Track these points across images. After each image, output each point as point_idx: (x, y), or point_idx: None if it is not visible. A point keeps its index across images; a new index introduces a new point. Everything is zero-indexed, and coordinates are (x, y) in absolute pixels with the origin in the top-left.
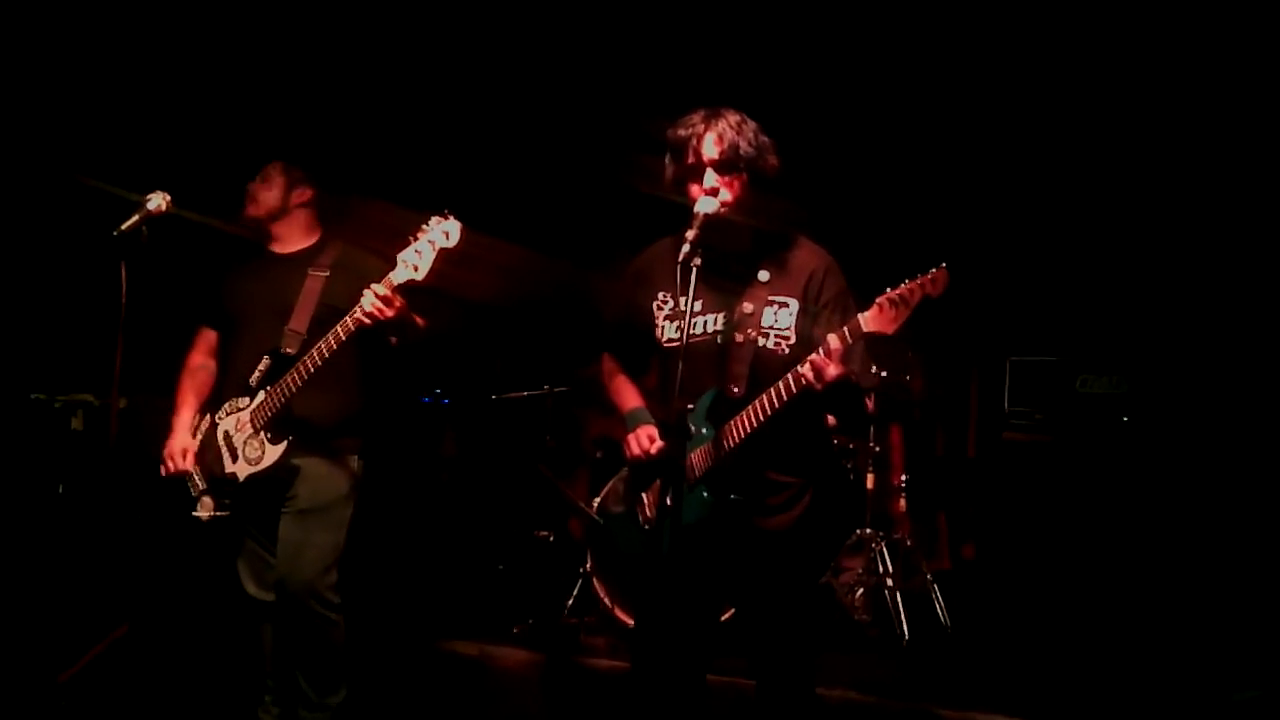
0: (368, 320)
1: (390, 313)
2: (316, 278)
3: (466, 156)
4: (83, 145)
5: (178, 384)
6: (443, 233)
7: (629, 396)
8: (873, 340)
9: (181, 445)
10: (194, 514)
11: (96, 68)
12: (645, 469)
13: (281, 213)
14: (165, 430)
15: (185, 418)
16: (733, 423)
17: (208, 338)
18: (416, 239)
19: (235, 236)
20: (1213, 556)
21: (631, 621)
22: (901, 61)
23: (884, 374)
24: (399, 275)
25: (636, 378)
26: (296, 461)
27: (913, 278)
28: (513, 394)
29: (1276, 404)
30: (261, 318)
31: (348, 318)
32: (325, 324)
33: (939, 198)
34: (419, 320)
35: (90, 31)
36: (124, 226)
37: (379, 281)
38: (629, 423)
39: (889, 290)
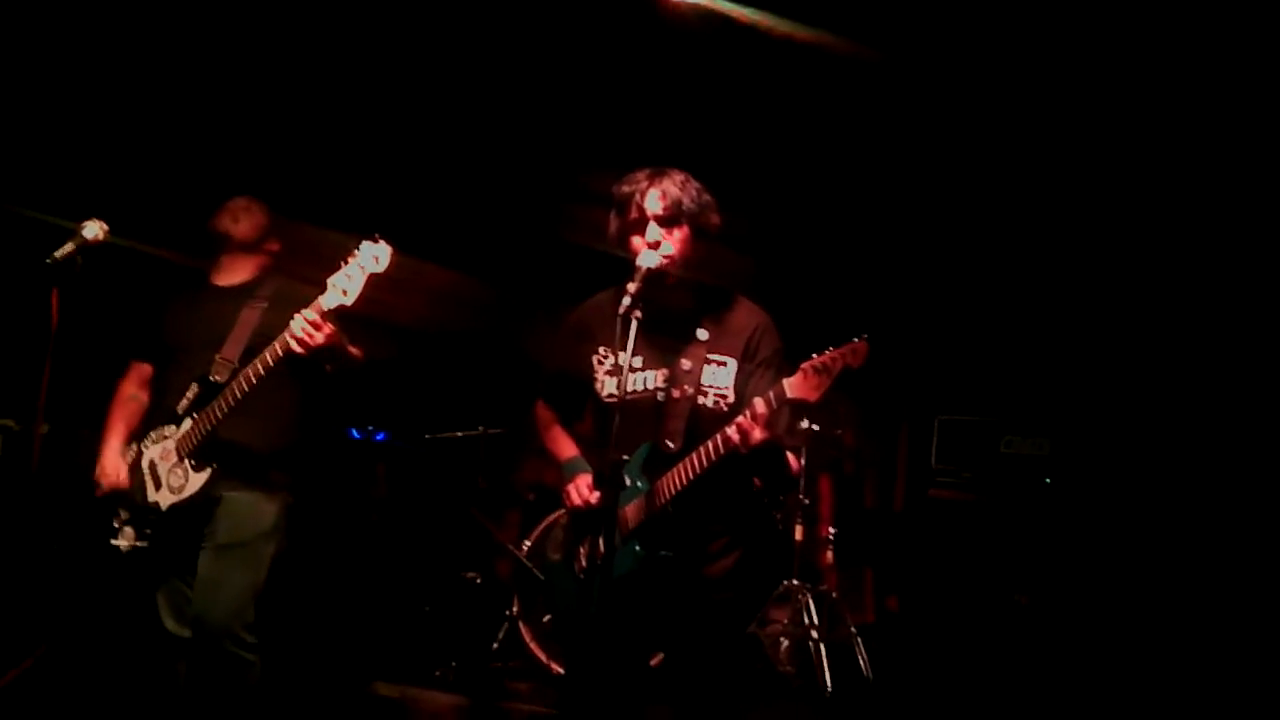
0: (297, 346)
1: (320, 339)
2: (254, 309)
3: (410, 186)
4: (13, 172)
5: (108, 413)
6: (372, 257)
7: (565, 445)
8: (796, 405)
9: (113, 464)
10: (113, 543)
11: (31, 94)
12: (585, 518)
13: (248, 248)
14: (91, 458)
15: (114, 444)
16: (665, 479)
17: (140, 370)
18: (347, 263)
19: (171, 266)
20: (1131, 616)
21: (556, 667)
22: (831, 128)
23: (814, 427)
24: (329, 300)
25: (570, 424)
26: (220, 492)
27: (836, 346)
28: (446, 434)
29: (1196, 469)
30: (196, 349)
31: (275, 343)
32: (257, 353)
33: (875, 258)
34: (354, 350)
35: (23, 59)
36: (58, 254)
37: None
38: (566, 471)
39: (813, 357)
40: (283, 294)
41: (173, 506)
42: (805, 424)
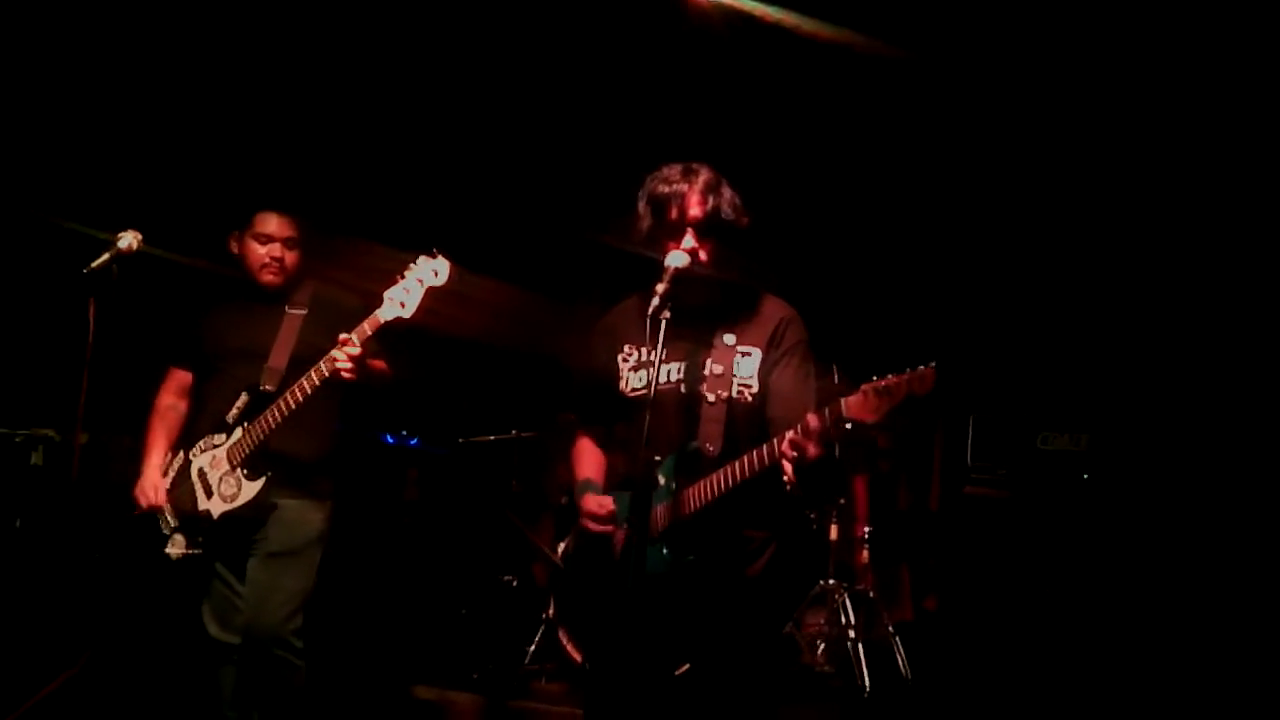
0: (345, 374)
1: (361, 368)
2: (295, 316)
3: (446, 198)
4: (53, 184)
5: (147, 424)
6: (431, 271)
7: (584, 465)
8: (852, 425)
9: (153, 482)
10: (165, 551)
11: (68, 106)
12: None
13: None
14: (134, 469)
15: (156, 458)
16: (695, 487)
17: (178, 378)
18: (404, 277)
19: (206, 274)
20: (1171, 612)
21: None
22: (860, 120)
23: (848, 426)
24: (386, 312)
25: (603, 433)
26: (273, 500)
27: (900, 371)
28: (479, 438)
29: (1233, 462)
30: (239, 357)
31: (322, 364)
32: (304, 361)
33: (907, 258)
34: (384, 367)
35: (61, 71)
36: (94, 265)
37: (361, 318)
38: (578, 492)
39: (875, 379)
40: (321, 299)
41: (225, 515)
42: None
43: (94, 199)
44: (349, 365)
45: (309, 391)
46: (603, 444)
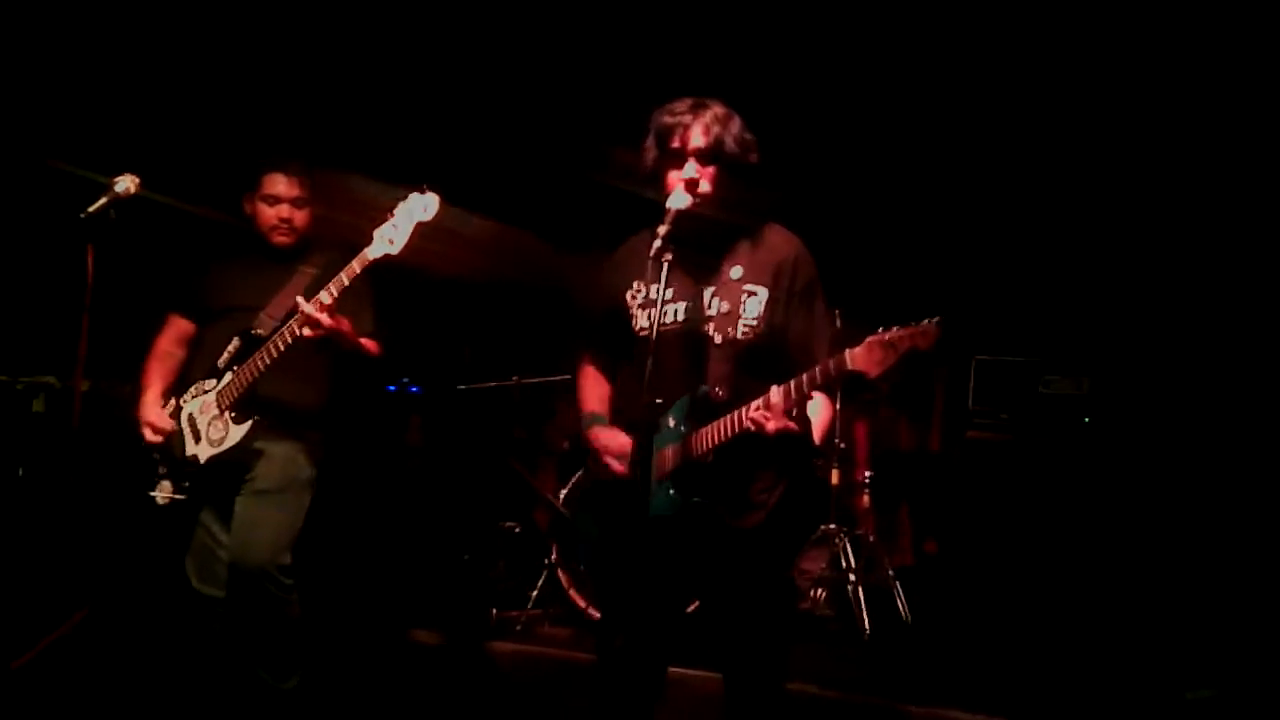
0: (306, 328)
1: (320, 330)
2: (304, 274)
3: (449, 136)
4: (50, 128)
5: (144, 366)
6: (421, 207)
7: (590, 397)
8: (852, 377)
9: (155, 414)
10: (150, 494)
11: (63, 49)
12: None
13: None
14: (130, 414)
15: (152, 396)
16: (704, 431)
17: (178, 326)
18: (394, 214)
19: (215, 223)
20: (1171, 555)
21: (595, 613)
22: (870, 57)
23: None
24: (375, 250)
25: (615, 368)
26: (259, 444)
27: (905, 325)
28: (481, 384)
29: (1236, 406)
30: (242, 312)
31: (287, 325)
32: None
33: (911, 197)
34: (366, 344)
35: (58, 12)
36: (91, 209)
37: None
38: (584, 423)
39: (881, 332)
40: (334, 262)
41: (211, 459)
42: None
43: (90, 141)
44: (312, 319)
45: (289, 340)
46: (609, 375)
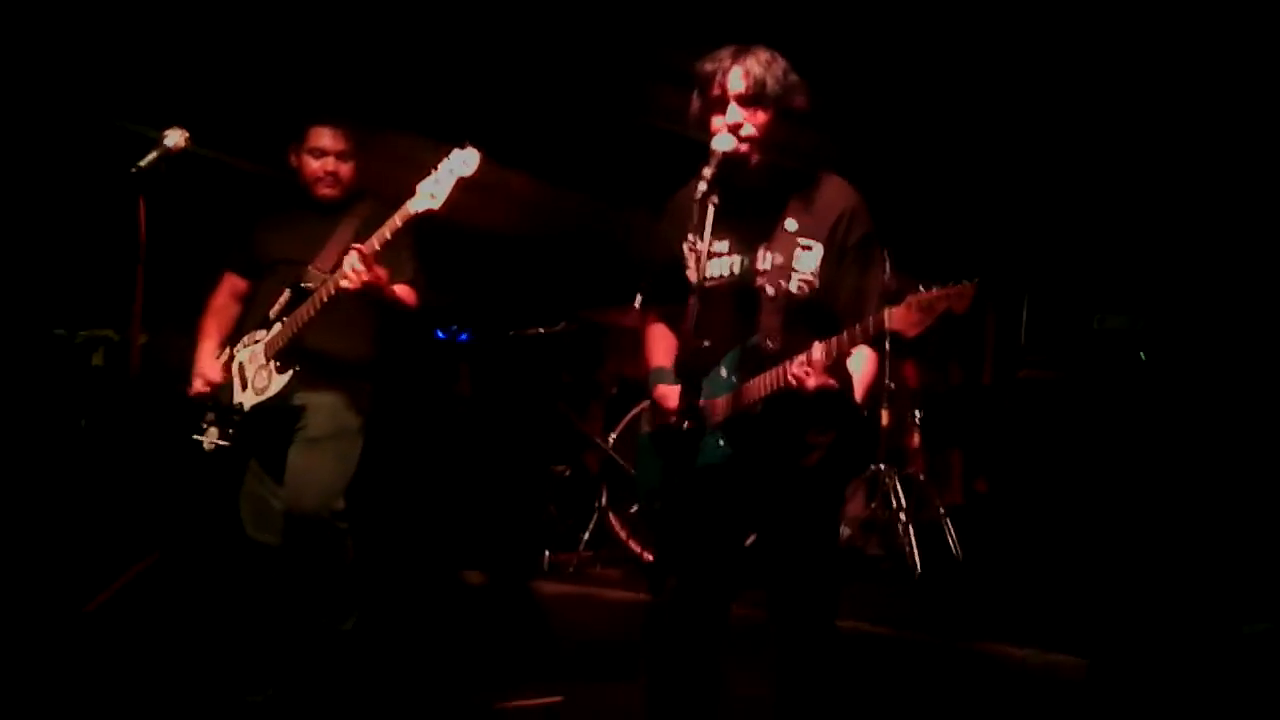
0: (346, 283)
1: (359, 281)
2: (349, 226)
3: (495, 91)
4: (105, 83)
5: (200, 321)
6: (461, 162)
7: (657, 351)
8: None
9: (207, 365)
10: (196, 438)
11: (114, 7)
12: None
13: (354, 188)
14: (187, 365)
15: (208, 347)
16: (755, 381)
17: (233, 282)
18: (437, 169)
19: (265, 178)
20: (1225, 491)
21: (647, 555)
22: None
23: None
24: (417, 204)
25: (674, 317)
26: (305, 394)
27: (942, 284)
28: (529, 330)
29: None
30: (290, 265)
31: (330, 280)
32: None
33: (959, 138)
34: (403, 295)
35: None
36: (142, 163)
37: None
38: (652, 380)
39: (921, 292)
40: (377, 215)
41: (255, 407)
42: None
43: (141, 96)
44: (353, 270)
45: (332, 292)
46: (673, 326)
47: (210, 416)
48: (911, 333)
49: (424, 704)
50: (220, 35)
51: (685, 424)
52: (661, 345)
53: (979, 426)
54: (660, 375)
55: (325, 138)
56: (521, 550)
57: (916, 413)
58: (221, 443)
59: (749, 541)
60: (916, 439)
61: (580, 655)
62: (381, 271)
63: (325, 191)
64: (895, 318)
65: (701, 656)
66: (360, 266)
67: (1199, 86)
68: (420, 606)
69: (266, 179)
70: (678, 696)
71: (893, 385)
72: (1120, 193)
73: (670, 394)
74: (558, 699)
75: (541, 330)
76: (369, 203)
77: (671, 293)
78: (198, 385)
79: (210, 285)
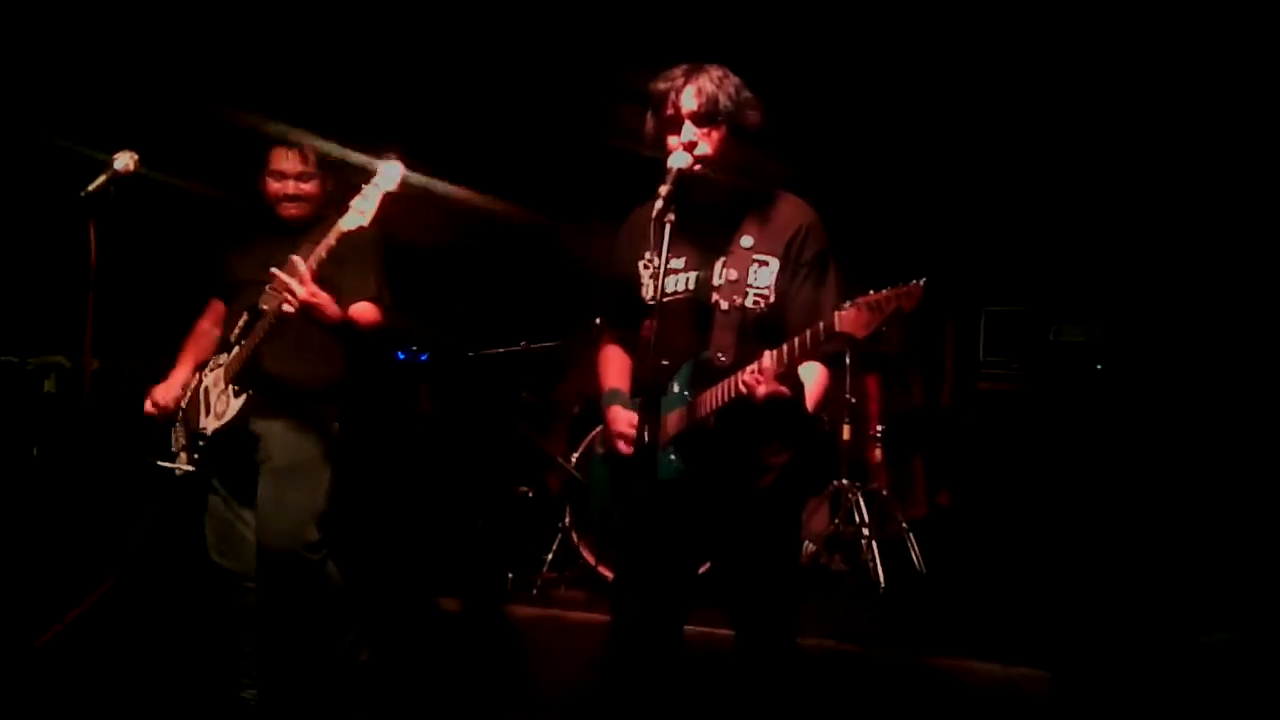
0: (285, 305)
1: (296, 300)
2: (311, 245)
3: (450, 108)
4: (51, 105)
5: (181, 344)
6: (386, 177)
7: (610, 373)
8: (842, 337)
9: (166, 390)
10: (162, 465)
11: (61, 26)
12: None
13: (320, 203)
14: (141, 391)
15: (179, 373)
16: (707, 394)
17: (215, 306)
18: (366, 185)
19: (238, 203)
20: (1184, 500)
21: (610, 575)
22: (869, 22)
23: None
24: (348, 222)
25: (630, 338)
26: (263, 421)
27: (892, 285)
28: (490, 350)
29: (1247, 349)
30: (254, 286)
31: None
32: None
33: (914, 152)
34: (326, 303)
35: None
36: (91, 187)
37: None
38: (605, 401)
39: (870, 294)
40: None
41: (216, 431)
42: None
43: (89, 118)
44: (287, 297)
45: (277, 313)
46: (629, 346)
47: (180, 441)
48: (862, 334)
49: None
50: (163, 54)
51: (641, 442)
52: (614, 366)
53: (940, 440)
54: (613, 397)
55: (284, 160)
56: (485, 572)
57: (878, 427)
58: (186, 468)
59: (703, 570)
60: (878, 454)
61: (547, 677)
62: (317, 291)
63: (289, 212)
64: (845, 319)
65: (657, 677)
66: (295, 286)
67: (1151, 97)
68: (389, 633)
69: (218, 201)
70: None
71: (853, 400)
72: (1073, 205)
73: (621, 417)
74: None
75: (502, 350)
76: (334, 220)
77: (629, 311)
78: (147, 406)
79: (175, 309)
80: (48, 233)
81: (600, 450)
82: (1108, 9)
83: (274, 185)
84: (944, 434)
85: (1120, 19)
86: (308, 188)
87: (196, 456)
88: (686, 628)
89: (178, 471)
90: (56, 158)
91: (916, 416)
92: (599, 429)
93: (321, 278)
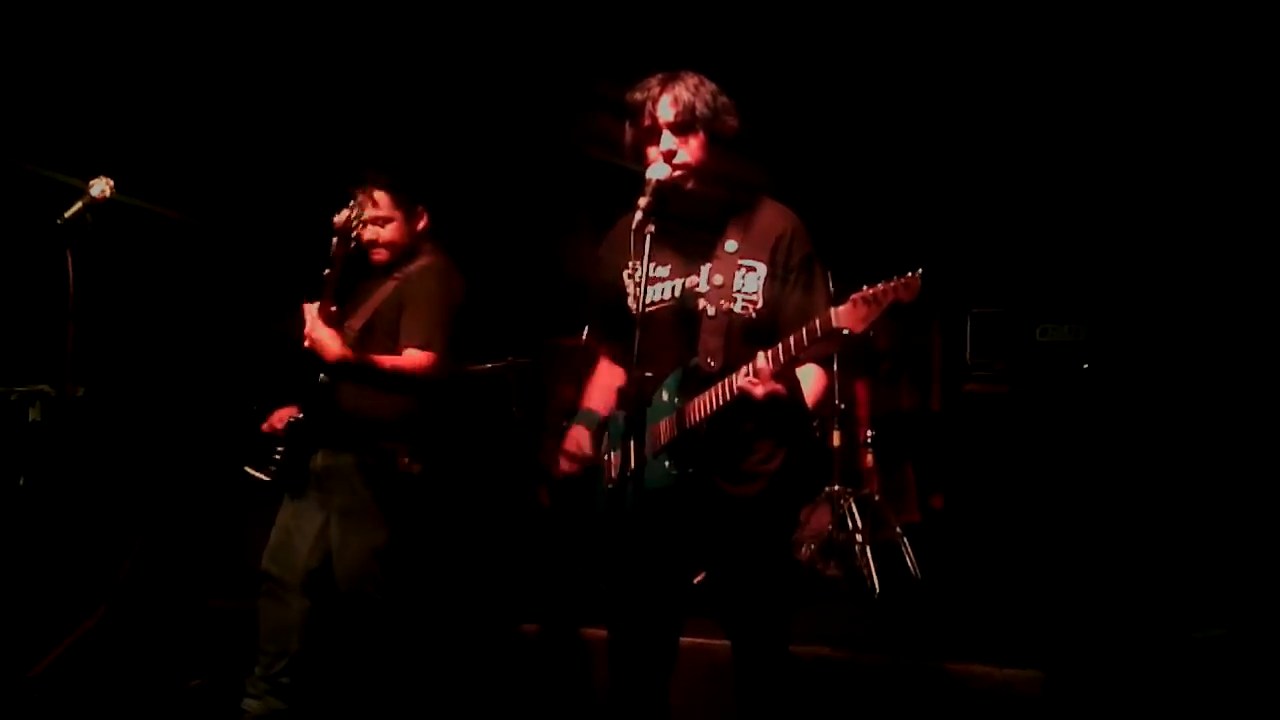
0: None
1: (311, 337)
2: (389, 285)
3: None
4: (21, 129)
5: None
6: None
7: (592, 393)
8: (838, 335)
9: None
10: (246, 469)
11: (34, 50)
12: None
13: (408, 248)
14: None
15: None
16: (697, 400)
17: None
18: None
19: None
20: (1175, 497)
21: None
22: (849, 21)
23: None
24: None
25: (620, 350)
26: (333, 456)
27: (888, 279)
28: (476, 367)
29: (1235, 345)
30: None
31: None
32: (374, 327)
33: (898, 155)
34: (395, 365)
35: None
36: (67, 214)
37: (437, 297)
38: (575, 418)
39: (865, 288)
40: (418, 275)
41: (282, 465)
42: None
43: (57, 142)
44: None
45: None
46: (619, 359)
47: (279, 455)
48: (859, 329)
49: None
50: (140, 80)
51: (620, 457)
52: (599, 385)
53: (931, 444)
54: (579, 416)
55: (360, 208)
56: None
57: (869, 433)
58: (263, 477)
59: (698, 579)
60: (870, 459)
61: (550, 690)
62: (316, 336)
63: (375, 257)
64: (842, 315)
65: (653, 686)
66: (309, 327)
67: (1133, 96)
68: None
69: (193, 227)
70: None
71: (843, 406)
72: (1056, 205)
73: (572, 436)
74: None
75: (489, 366)
76: (420, 261)
77: (617, 322)
78: (264, 427)
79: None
80: (28, 260)
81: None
82: (1087, 9)
83: (364, 234)
84: (935, 438)
85: (1099, 18)
86: (387, 232)
87: (274, 468)
88: (686, 639)
89: (255, 476)
90: (30, 184)
91: (907, 420)
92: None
93: (383, 321)
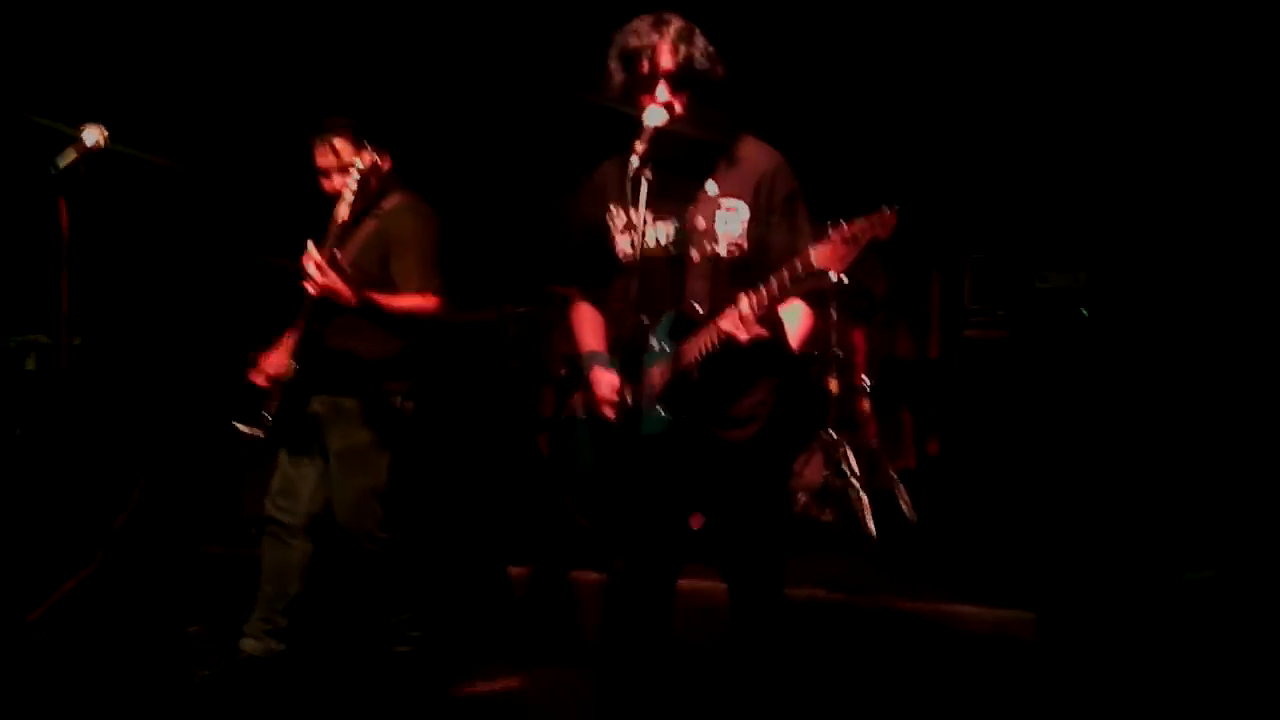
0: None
1: (318, 283)
2: (370, 224)
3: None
4: (15, 78)
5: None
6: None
7: (588, 335)
8: (820, 274)
9: (274, 361)
10: (234, 424)
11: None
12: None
13: (376, 191)
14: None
15: (289, 342)
16: (689, 344)
17: None
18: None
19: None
20: (1170, 442)
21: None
22: None
23: (844, 279)
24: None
25: (600, 296)
26: (329, 399)
27: (864, 216)
28: (472, 315)
29: (1233, 288)
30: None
31: None
32: (362, 262)
33: (896, 97)
34: (397, 305)
35: None
36: (61, 163)
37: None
38: (586, 364)
39: (843, 225)
40: (394, 214)
41: (278, 410)
42: (835, 277)
43: (47, 88)
44: (309, 282)
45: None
46: (600, 305)
47: (272, 408)
48: (839, 268)
49: (383, 691)
50: (131, 26)
51: (625, 402)
52: (590, 327)
53: (928, 389)
54: (594, 359)
55: (319, 156)
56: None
57: (865, 379)
58: (257, 433)
59: (698, 524)
60: (866, 405)
61: (546, 632)
62: (331, 279)
63: (347, 203)
64: (821, 255)
65: (653, 630)
66: (312, 270)
67: (1132, 42)
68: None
69: (186, 175)
70: (631, 671)
71: (840, 353)
72: (1056, 151)
73: (604, 380)
74: (515, 683)
75: (481, 316)
76: (394, 200)
77: (599, 269)
78: (256, 376)
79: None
80: (21, 209)
81: (581, 415)
82: None
83: (324, 182)
84: (932, 383)
85: None
86: (342, 178)
87: (268, 423)
88: (681, 581)
89: (245, 432)
90: (24, 132)
91: (904, 366)
92: (578, 394)
93: (369, 261)
